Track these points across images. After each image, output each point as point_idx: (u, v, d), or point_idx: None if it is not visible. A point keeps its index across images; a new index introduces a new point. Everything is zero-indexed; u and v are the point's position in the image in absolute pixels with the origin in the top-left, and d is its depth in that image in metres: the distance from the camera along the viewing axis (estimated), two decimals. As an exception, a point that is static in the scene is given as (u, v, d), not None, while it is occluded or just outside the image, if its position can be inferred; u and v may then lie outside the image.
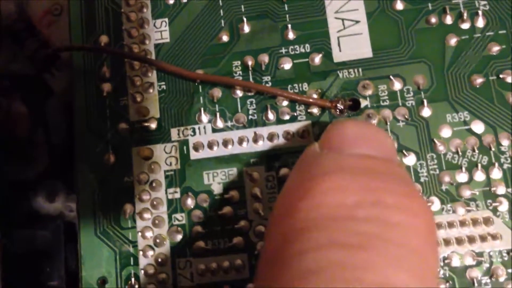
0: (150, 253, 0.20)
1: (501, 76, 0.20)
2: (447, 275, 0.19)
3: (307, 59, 0.21)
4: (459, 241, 0.19)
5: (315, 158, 0.17)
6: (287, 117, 0.20)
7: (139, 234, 0.20)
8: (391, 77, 0.20)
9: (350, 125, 0.17)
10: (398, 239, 0.14)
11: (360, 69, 0.20)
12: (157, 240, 0.20)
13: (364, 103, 0.20)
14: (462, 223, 0.19)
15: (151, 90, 0.21)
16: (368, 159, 0.16)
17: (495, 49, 0.20)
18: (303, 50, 0.21)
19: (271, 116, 0.20)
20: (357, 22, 0.21)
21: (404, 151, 0.20)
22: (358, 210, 0.14)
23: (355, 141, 0.16)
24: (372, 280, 0.13)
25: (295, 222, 0.15)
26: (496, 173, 0.19)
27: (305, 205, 0.15)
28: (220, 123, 0.20)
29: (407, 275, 0.14)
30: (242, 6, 0.21)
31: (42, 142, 0.26)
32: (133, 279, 0.20)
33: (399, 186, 0.15)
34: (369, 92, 0.20)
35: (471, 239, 0.19)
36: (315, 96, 0.20)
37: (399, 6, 0.21)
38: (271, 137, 0.20)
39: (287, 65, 0.21)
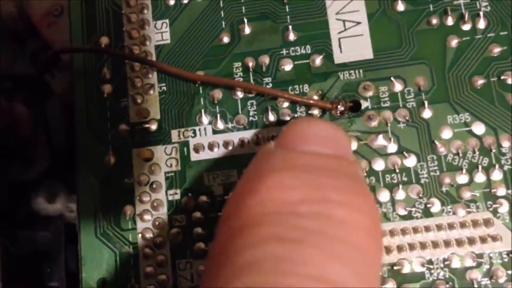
0: (151, 254, 0.20)
1: (502, 77, 0.20)
2: (447, 276, 0.19)
3: (307, 61, 0.21)
4: (459, 242, 0.19)
5: (266, 155, 0.17)
6: (287, 119, 0.20)
7: (140, 235, 0.20)
8: (392, 78, 0.20)
9: (306, 123, 0.17)
10: (339, 234, 0.14)
11: (361, 71, 0.20)
12: (158, 242, 0.20)
13: (364, 104, 0.20)
14: (462, 225, 0.19)
15: (151, 92, 0.21)
16: (319, 156, 0.16)
17: (496, 50, 0.20)
18: (303, 52, 0.21)
19: (271, 117, 0.20)
20: (358, 23, 0.21)
21: (404, 152, 0.20)
22: (301, 206, 0.15)
23: (308, 139, 0.16)
24: (309, 274, 0.13)
25: (240, 219, 0.15)
26: (497, 175, 0.19)
27: (250, 202, 0.15)
28: (220, 125, 0.20)
29: (346, 270, 0.14)
30: (243, 7, 0.21)
31: (43, 143, 0.26)
32: (133, 281, 0.20)
33: (346, 183, 0.15)
34: (369, 93, 0.20)
35: (471, 241, 0.19)
36: (315, 97, 0.20)
37: (400, 7, 0.21)
38: (271, 138, 0.20)
39: (287, 66, 0.21)
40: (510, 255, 0.19)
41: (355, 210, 0.15)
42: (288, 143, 0.16)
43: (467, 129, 0.20)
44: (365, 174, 0.20)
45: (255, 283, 0.13)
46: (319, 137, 0.16)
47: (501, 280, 0.19)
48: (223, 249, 0.15)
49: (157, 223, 0.20)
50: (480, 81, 0.20)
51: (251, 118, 0.21)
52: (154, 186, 0.20)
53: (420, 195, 0.19)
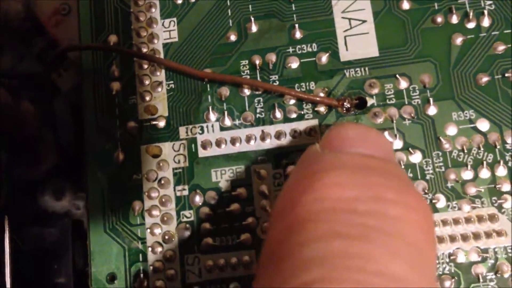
0: (159, 249, 0.20)
1: (506, 75, 0.20)
2: (453, 271, 0.19)
3: (314, 58, 0.21)
4: (464, 237, 0.19)
5: (316, 156, 0.17)
6: (294, 116, 0.21)
7: (148, 230, 0.20)
8: (397, 76, 0.20)
9: (350, 127, 0.18)
10: (397, 232, 0.15)
11: (366, 68, 0.21)
12: (166, 237, 0.20)
13: (370, 101, 0.20)
14: (468, 220, 0.19)
15: (159, 89, 0.21)
16: (367, 157, 0.17)
17: (501, 48, 0.20)
18: (310, 50, 0.21)
19: (278, 114, 0.21)
20: (364, 21, 0.21)
21: (410, 149, 0.20)
22: (358, 204, 0.15)
23: (355, 141, 0.17)
24: (372, 269, 0.14)
25: (297, 215, 0.15)
26: (501, 171, 0.19)
27: (307, 198, 0.15)
28: (228, 122, 0.21)
29: (406, 266, 0.14)
30: (250, 6, 0.22)
31: (49, 141, 0.27)
32: (142, 275, 0.20)
33: (398, 183, 0.16)
34: (375, 90, 0.20)
35: (476, 236, 0.19)
36: (322, 94, 0.21)
37: (406, 5, 0.21)
38: (278, 135, 0.20)
39: (294, 64, 0.21)
40: (515, 250, 0.19)
41: (409, 208, 0.15)
42: (334, 145, 0.17)
43: (472, 125, 0.20)
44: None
45: (323, 277, 0.14)
46: (364, 140, 0.17)
47: (506, 275, 0.19)
48: (281, 244, 0.15)
49: (165, 218, 0.20)
50: (485, 79, 0.20)
51: (258, 115, 0.21)
52: (162, 182, 0.21)
53: (426, 191, 0.20)
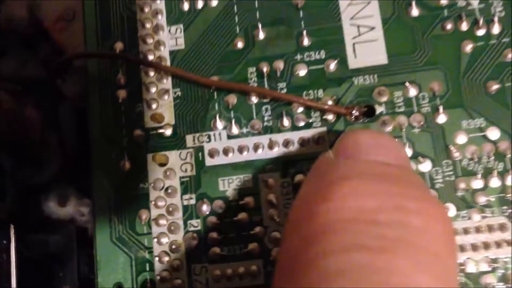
0: (166, 259, 0.20)
1: (516, 82, 0.20)
2: (462, 281, 0.19)
3: (322, 66, 0.21)
4: (474, 247, 0.19)
5: (330, 165, 0.17)
6: (302, 124, 0.20)
7: (155, 240, 0.20)
8: (406, 83, 0.20)
9: (364, 133, 0.17)
10: (420, 243, 0.14)
11: (375, 76, 0.20)
12: (173, 246, 0.20)
13: (379, 109, 0.20)
14: (478, 230, 0.19)
15: (166, 97, 0.21)
16: (385, 165, 0.16)
17: (511, 55, 0.20)
18: (318, 57, 0.21)
19: (286, 122, 0.20)
20: (373, 28, 0.21)
21: (419, 157, 0.20)
22: (379, 214, 0.15)
23: (370, 148, 0.17)
24: (397, 283, 0.13)
25: (314, 225, 0.15)
26: (512, 180, 0.19)
27: (324, 208, 0.15)
28: (235, 130, 0.21)
29: (431, 278, 0.14)
30: (257, 13, 0.21)
31: (54, 146, 0.26)
32: (149, 285, 0.20)
33: (417, 191, 0.16)
34: (384, 98, 0.20)
35: (486, 246, 0.19)
36: (330, 102, 0.20)
37: (415, 12, 0.21)
38: (286, 143, 0.20)
39: (302, 71, 0.21)
40: (525, 260, 0.19)
41: (431, 218, 0.15)
42: (349, 153, 0.17)
43: (482, 134, 0.20)
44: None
45: None
46: (379, 147, 0.17)
47: (517, 285, 0.19)
48: (298, 256, 0.15)
49: (172, 227, 0.20)
50: (495, 86, 0.20)
51: (265, 123, 0.21)
52: (169, 191, 0.20)
53: (438, 200, 0.19)
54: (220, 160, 0.20)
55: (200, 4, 0.22)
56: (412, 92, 0.20)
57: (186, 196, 0.20)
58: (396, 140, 0.19)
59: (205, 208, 0.20)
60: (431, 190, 0.20)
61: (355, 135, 0.17)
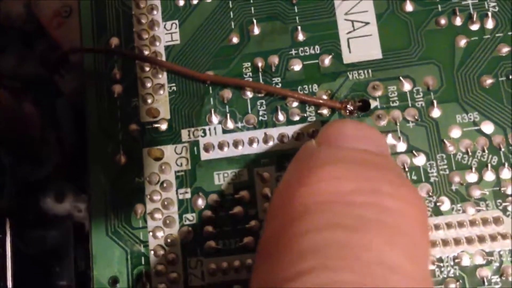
0: (161, 252, 0.20)
1: (510, 77, 0.20)
2: (457, 274, 0.19)
3: (317, 61, 0.21)
4: (469, 240, 0.19)
5: (312, 152, 0.17)
6: (297, 118, 0.20)
7: (150, 234, 0.20)
8: (400, 78, 0.20)
9: (346, 123, 0.18)
10: (393, 222, 0.15)
11: (369, 70, 0.20)
12: (168, 240, 0.20)
13: (374, 104, 0.20)
14: (472, 223, 0.19)
15: (161, 92, 0.21)
16: (364, 152, 0.17)
17: (505, 50, 0.20)
18: (313, 52, 0.21)
19: (281, 117, 0.20)
20: (367, 23, 0.21)
21: (414, 151, 0.20)
22: (355, 196, 0.15)
23: (351, 137, 0.17)
24: (369, 258, 0.14)
25: (294, 208, 0.15)
26: (506, 173, 0.19)
27: (303, 192, 0.16)
28: (230, 124, 0.21)
29: (402, 255, 0.14)
30: (252, 8, 0.21)
31: (52, 143, 0.27)
32: (144, 279, 0.20)
33: (394, 177, 0.16)
34: (378, 93, 0.20)
35: (481, 239, 0.19)
36: (325, 97, 0.20)
37: (409, 7, 0.21)
38: (281, 137, 0.20)
39: (297, 66, 0.21)
40: (520, 253, 0.19)
41: (405, 201, 0.15)
42: (331, 141, 0.17)
43: (476, 128, 0.20)
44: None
45: (320, 265, 0.14)
46: (360, 136, 0.17)
47: (511, 278, 0.19)
48: (280, 235, 0.15)
49: (167, 221, 0.20)
50: (489, 81, 0.20)
51: (260, 118, 0.21)
52: (164, 185, 0.20)
53: (430, 194, 0.19)
54: (215, 154, 0.21)
55: (195, 0, 0.22)
56: (407, 86, 0.20)
57: (182, 190, 0.20)
58: (377, 129, 0.19)
59: (201, 202, 0.20)
60: (426, 184, 0.20)
61: (338, 125, 0.18)
